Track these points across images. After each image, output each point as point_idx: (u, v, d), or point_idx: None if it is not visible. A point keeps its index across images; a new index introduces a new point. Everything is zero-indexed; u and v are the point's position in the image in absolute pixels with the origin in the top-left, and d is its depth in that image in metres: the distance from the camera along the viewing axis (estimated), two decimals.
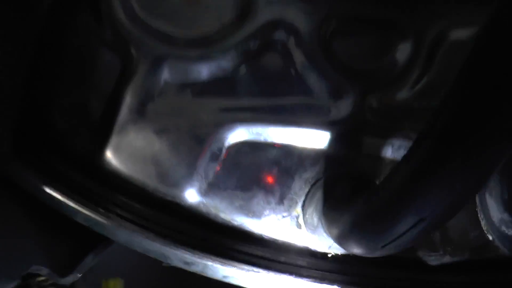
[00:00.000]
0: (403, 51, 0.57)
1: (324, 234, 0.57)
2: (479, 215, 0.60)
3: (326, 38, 0.57)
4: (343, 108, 0.59)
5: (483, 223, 0.60)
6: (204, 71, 0.60)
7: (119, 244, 0.71)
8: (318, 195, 0.58)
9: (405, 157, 0.39)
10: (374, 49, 0.58)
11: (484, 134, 0.32)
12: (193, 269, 0.63)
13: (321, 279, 0.59)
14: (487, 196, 0.57)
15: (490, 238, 0.60)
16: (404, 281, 0.62)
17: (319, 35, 0.57)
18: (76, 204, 0.61)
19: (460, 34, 0.56)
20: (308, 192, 0.60)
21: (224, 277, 0.63)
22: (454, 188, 0.36)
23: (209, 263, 0.61)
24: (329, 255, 0.61)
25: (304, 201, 0.60)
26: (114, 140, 0.63)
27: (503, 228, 0.58)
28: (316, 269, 0.60)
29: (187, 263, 0.62)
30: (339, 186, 0.57)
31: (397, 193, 0.39)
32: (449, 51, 0.57)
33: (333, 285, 0.58)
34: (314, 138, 0.60)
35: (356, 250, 0.48)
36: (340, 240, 0.50)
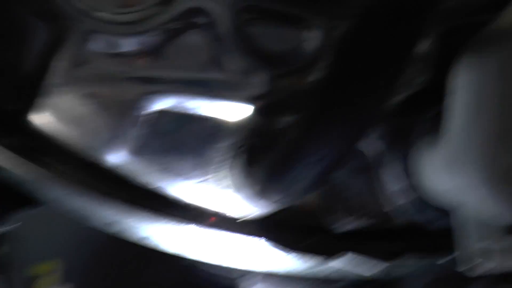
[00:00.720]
0: (310, 42, 0.64)
1: (247, 193, 0.63)
2: (375, 188, 0.69)
3: (241, 25, 0.62)
4: (256, 86, 0.65)
5: (379, 196, 0.69)
6: (130, 45, 0.64)
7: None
8: (241, 159, 0.64)
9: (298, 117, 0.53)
10: (284, 38, 0.64)
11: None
12: (113, 230, 0.66)
13: (248, 234, 0.66)
14: (382, 171, 0.68)
15: (386, 209, 0.70)
16: (312, 245, 0.69)
17: (235, 22, 0.62)
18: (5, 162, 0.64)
19: None
20: (232, 157, 0.65)
21: (143, 238, 0.65)
22: (337, 133, 0.49)
23: (130, 223, 0.64)
24: (252, 214, 0.68)
25: (227, 166, 0.66)
26: (40, 101, 0.65)
27: (395, 200, 0.68)
28: (242, 225, 0.67)
29: (106, 223, 0.65)
30: (258, 151, 0.63)
31: (296, 140, 0.51)
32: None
33: (261, 238, 0.66)
34: (232, 111, 0.66)
35: (275, 197, 0.57)
36: (262, 192, 0.59)
